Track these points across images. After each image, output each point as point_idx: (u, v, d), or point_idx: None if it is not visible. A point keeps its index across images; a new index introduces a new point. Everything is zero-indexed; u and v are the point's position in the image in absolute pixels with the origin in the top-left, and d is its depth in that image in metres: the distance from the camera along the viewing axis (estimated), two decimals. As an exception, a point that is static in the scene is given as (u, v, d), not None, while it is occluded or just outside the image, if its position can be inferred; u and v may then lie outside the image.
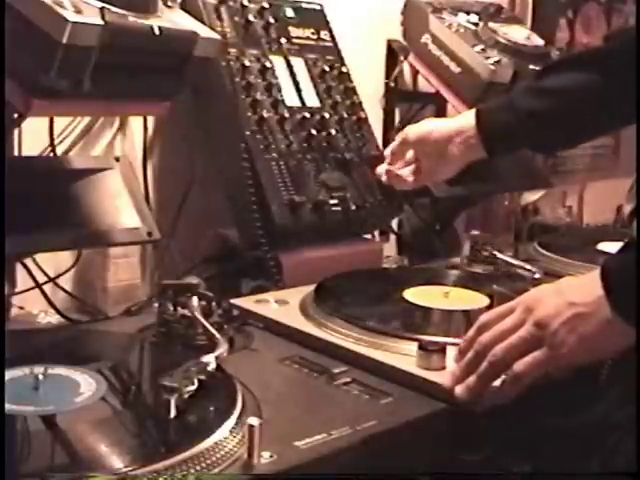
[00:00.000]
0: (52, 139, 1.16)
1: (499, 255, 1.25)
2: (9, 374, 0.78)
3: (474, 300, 1.08)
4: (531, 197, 1.80)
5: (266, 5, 1.34)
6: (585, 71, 1.12)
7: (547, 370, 0.78)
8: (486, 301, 1.07)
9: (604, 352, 0.80)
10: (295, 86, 1.32)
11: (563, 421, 0.89)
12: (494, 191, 1.74)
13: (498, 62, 1.45)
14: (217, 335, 0.87)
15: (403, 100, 1.70)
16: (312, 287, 1.09)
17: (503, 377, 0.79)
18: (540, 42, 1.59)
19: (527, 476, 0.85)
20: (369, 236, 1.41)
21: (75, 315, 1.17)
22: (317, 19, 1.43)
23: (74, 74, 0.89)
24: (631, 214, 1.81)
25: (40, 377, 0.76)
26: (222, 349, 0.82)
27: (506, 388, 0.79)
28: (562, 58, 1.41)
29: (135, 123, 1.31)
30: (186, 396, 0.72)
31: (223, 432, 0.68)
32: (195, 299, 0.94)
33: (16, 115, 0.99)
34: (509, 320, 0.80)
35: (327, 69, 1.37)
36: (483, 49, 1.47)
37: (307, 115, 1.29)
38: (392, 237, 1.60)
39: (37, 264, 1.12)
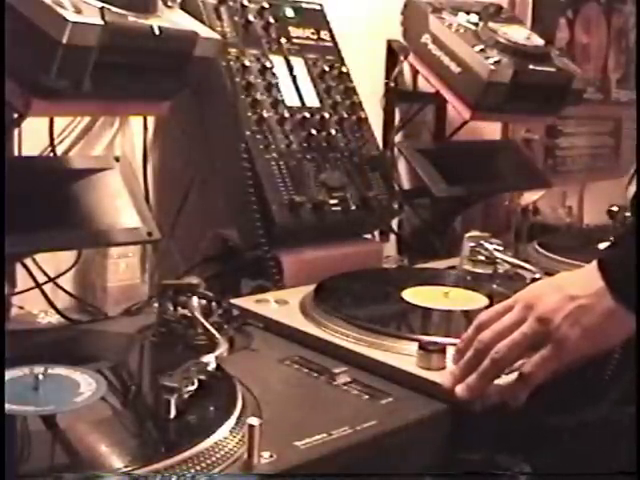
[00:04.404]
0: (52, 139, 1.16)
1: (499, 255, 1.25)
2: (9, 374, 0.77)
3: (474, 300, 1.08)
4: (531, 197, 1.80)
5: (266, 5, 1.34)
6: None
7: (556, 369, 0.78)
8: (486, 301, 1.07)
9: (608, 342, 0.80)
10: (295, 86, 1.32)
11: (563, 420, 0.89)
12: (494, 191, 1.74)
13: (498, 62, 1.45)
14: (217, 335, 0.87)
15: (403, 100, 1.69)
16: (312, 287, 1.09)
17: (505, 377, 0.79)
18: (540, 42, 1.59)
19: (527, 476, 0.85)
20: (369, 236, 1.41)
21: (75, 315, 1.17)
22: (317, 19, 1.42)
23: (74, 74, 0.89)
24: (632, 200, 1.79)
25: (40, 377, 0.76)
26: (222, 349, 0.82)
27: (516, 390, 0.79)
28: None
29: (135, 123, 1.31)
30: (186, 396, 0.72)
31: (223, 432, 0.68)
32: (195, 299, 0.94)
33: (16, 115, 0.99)
34: (509, 318, 0.80)
35: (327, 69, 1.37)
36: (483, 49, 1.47)
37: (307, 115, 1.29)
38: (392, 237, 1.61)
39: (37, 264, 1.12)
